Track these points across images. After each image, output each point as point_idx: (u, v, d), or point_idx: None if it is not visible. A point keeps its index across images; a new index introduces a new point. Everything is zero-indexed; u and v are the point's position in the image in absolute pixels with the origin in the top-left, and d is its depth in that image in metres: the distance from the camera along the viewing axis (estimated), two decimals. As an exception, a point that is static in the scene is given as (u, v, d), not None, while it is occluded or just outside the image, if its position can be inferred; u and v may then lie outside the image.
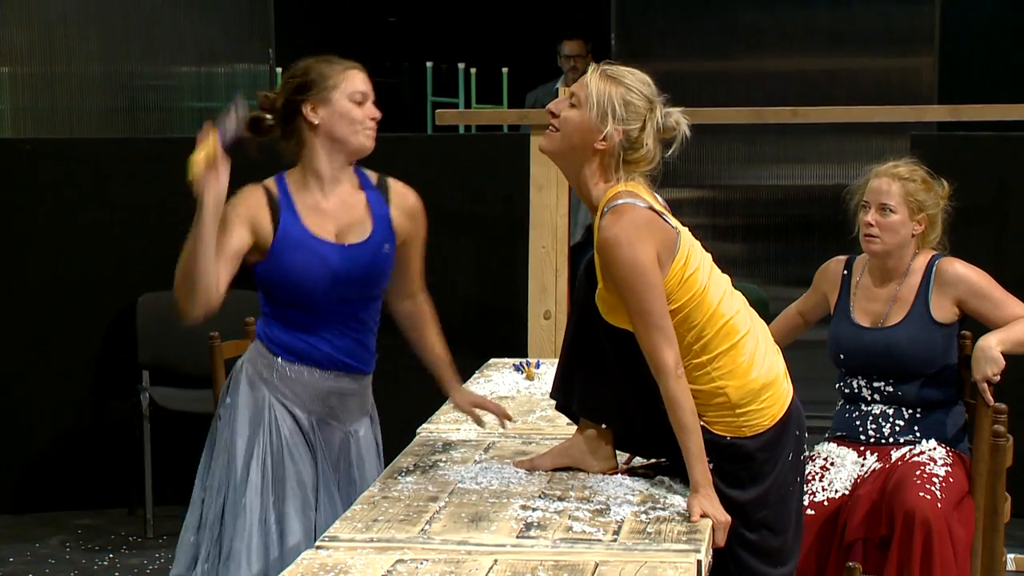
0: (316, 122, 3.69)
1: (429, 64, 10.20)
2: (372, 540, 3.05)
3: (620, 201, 3.32)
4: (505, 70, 9.65)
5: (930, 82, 6.86)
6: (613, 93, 3.36)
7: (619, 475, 3.53)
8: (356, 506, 3.30)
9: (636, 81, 3.39)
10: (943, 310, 4.24)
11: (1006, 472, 3.75)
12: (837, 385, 4.40)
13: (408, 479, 3.52)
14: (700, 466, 3.30)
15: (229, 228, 3.68)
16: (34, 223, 6.37)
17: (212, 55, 8.06)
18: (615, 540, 3.04)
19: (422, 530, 3.11)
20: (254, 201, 3.72)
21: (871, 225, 4.24)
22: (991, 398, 4.09)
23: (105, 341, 6.41)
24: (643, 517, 3.20)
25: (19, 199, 6.38)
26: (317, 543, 3.05)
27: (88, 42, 7.56)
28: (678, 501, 3.31)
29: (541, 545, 3.02)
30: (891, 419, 4.24)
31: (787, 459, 3.47)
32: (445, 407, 4.19)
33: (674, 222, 3.39)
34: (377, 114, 3.73)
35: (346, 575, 2.84)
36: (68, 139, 7.10)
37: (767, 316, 6.17)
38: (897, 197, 4.23)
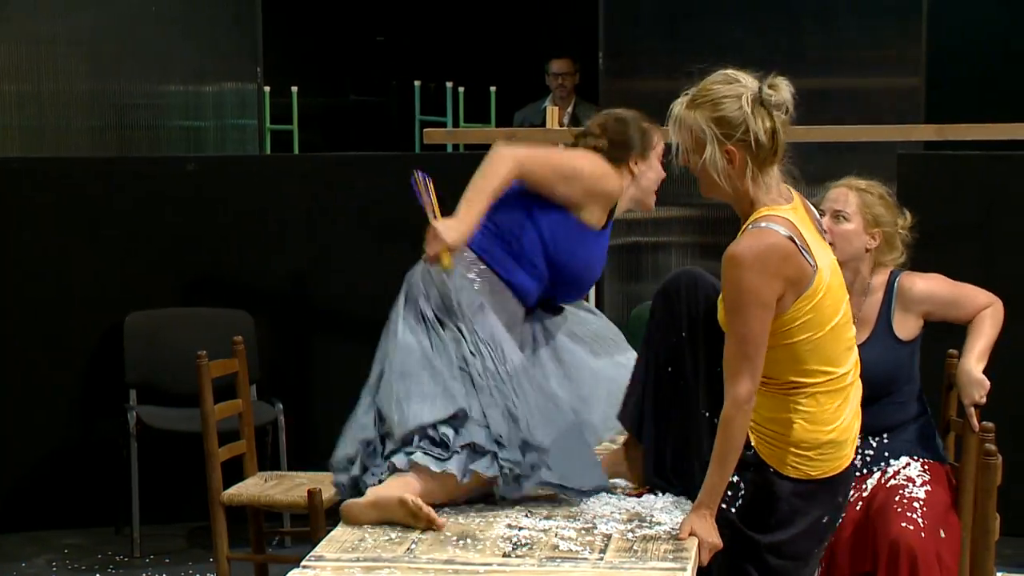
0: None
1: (417, 83, 10.21)
2: (358, 560, 3.05)
3: (763, 225, 3.25)
4: (493, 89, 9.66)
5: (917, 102, 6.88)
6: (699, 119, 3.29)
7: (605, 494, 3.53)
8: (340, 527, 3.30)
9: (722, 89, 3.31)
10: (906, 328, 4.21)
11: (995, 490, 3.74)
12: None
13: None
14: (713, 494, 3.26)
15: None
16: (21, 242, 6.36)
17: (200, 74, 8.06)
18: (601, 558, 3.04)
19: (408, 549, 3.11)
20: None
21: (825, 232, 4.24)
22: (976, 423, 4.08)
23: (92, 360, 6.40)
24: (629, 535, 3.20)
25: (6, 217, 6.38)
26: (303, 562, 3.04)
27: (76, 61, 7.56)
28: (665, 519, 3.31)
29: (527, 564, 3.02)
30: (859, 450, 4.21)
31: (819, 520, 3.42)
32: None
33: (816, 257, 3.28)
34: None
35: (332, 594, 2.85)
36: (56, 158, 7.10)
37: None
38: (852, 206, 4.20)
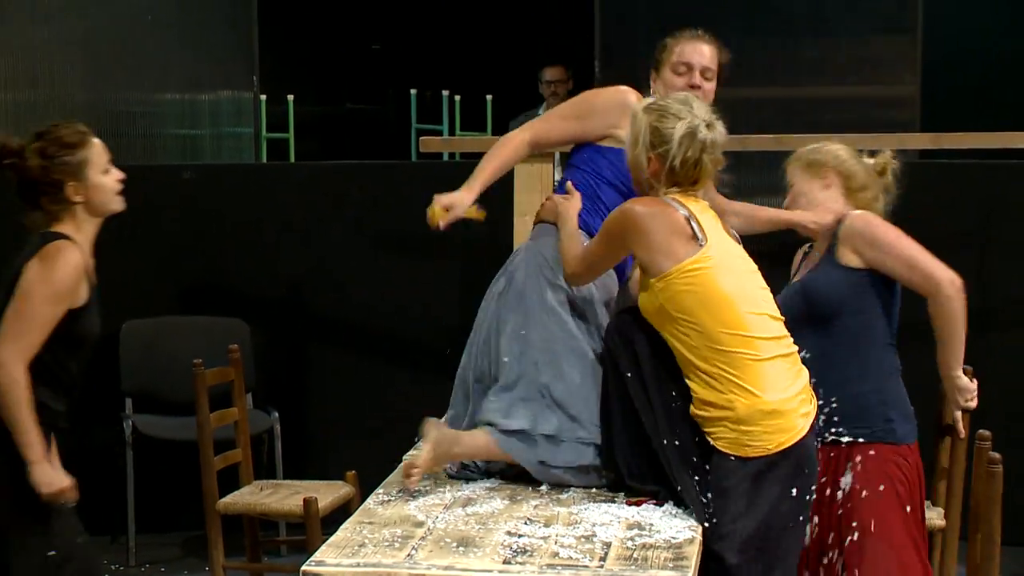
0: None
1: (413, 91, 10.23)
2: (358, 565, 3.05)
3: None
4: (489, 97, 9.68)
5: (912, 111, 6.90)
6: (643, 121, 3.67)
7: (605, 503, 3.53)
8: (341, 532, 3.30)
9: (673, 107, 3.68)
10: (847, 257, 4.21)
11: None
12: None
13: (393, 505, 3.52)
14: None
15: None
16: (18, 250, 6.35)
17: (196, 82, 8.06)
18: (601, 566, 3.05)
19: (408, 555, 3.11)
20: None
21: (787, 206, 4.36)
22: (963, 429, 4.12)
23: (88, 368, 6.39)
24: (629, 544, 3.20)
25: (3, 226, 6.37)
26: (304, 567, 3.04)
27: (72, 69, 7.55)
28: (664, 527, 3.32)
29: (527, 571, 3.02)
30: (822, 409, 4.20)
31: (788, 493, 3.52)
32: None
33: (708, 233, 3.61)
34: None
35: (331, 601, 2.85)
36: (51, 166, 7.09)
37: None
38: (790, 173, 4.33)
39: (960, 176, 6.40)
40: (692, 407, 3.57)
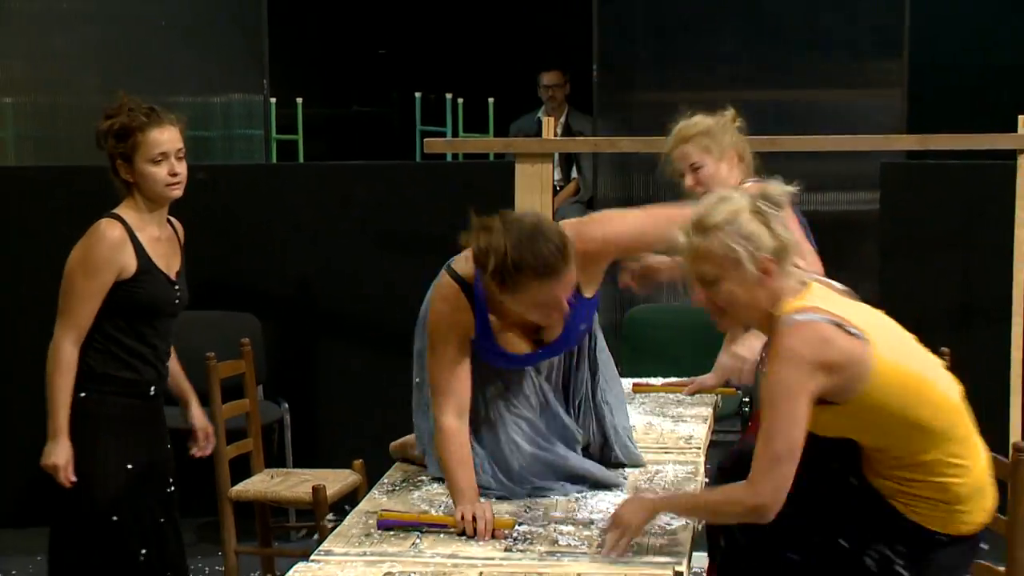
0: None
1: (418, 94, 10.20)
2: (365, 554, 3.05)
3: (798, 317, 2.96)
4: (491, 100, 9.66)
5: (899, 113, 6.89)
6: (725, 240, 2.96)
7: (602, 491, 3.52)
8: (347, 522, 3.30)
9: (726, 213, 2.98)
10: None
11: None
12: None
13: (397, 496, 3.52)
14: (671, 503, 3.16)
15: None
16: (39, 247, 6.35)
17: (209, 86, 8.05)
18: (599, 552, 3.04)
19: (413, 544, 3.11)
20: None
21: (695, 186, 4.24)
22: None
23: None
24: (626, 531, 3.20)
25: (22, 224, 6.38)
26: (312, 556, 3.04)
27: (88, 74, 7.56)
28: (659, 517, 3.31)
29: (528, 558, 3.02)
30: None
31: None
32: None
33: (849, 320, 2.97)
34: None
35: (337, 587, 2.84)
36: (69, 167, 7.08)
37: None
38: (698, 154, 4.25)
39: (945, 176, 6.40)
40: (888, 496, 3.07)
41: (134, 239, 3.88)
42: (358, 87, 12.14)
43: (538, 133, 6.81)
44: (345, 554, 3.05)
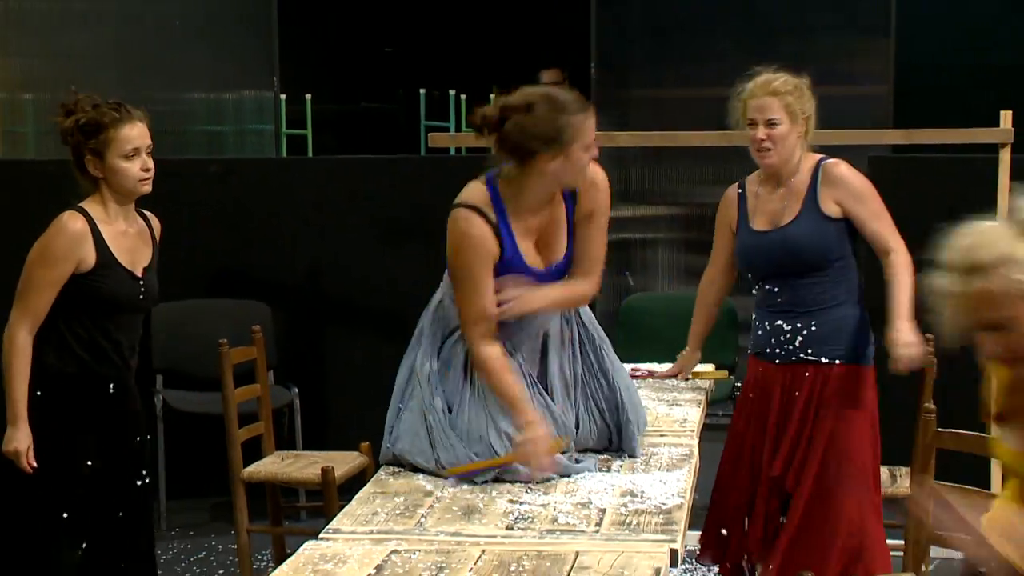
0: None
1: (422, 91, 10.20)
2: (372, 532, 3.03)
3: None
4: (492, 97, 9.63)
5: (886, 109, 6.87)
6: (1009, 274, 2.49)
7: (599, 471, 3.50)
8: (355, 501, 3.28)
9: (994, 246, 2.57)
10: (830, 207, 4.18)
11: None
12: (754, 291, 4.34)
13: (403, 476, 3.50)
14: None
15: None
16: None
17: (221, 83, 8.05)
18: (597, 531, 3.02)
19: (418, 522, 3.09)
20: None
21: (763, 140, 4.18)
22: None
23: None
24: (623, 510, 3.18)
25: (43, 217, 6.33)
26: (321, 535, 3.02)
27: (107, 71, 7.54)
28: (655, 494, 3.29)
29: (529, 536, 3.00)
30: (799, 332, 4.17)
31: None
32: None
33: None
34: None
35: (344, 564, 2.81)
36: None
37: (737, 324, 6.19)
38: (779, 110, 4.17)
39: (930, 169, 6.38)
40: None
41: (96, 233, 3.79)
42: (365, 84, 12.12)
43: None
44: (352, 532, 3.03)
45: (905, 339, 3.95)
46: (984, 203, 5.80)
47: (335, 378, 6.56)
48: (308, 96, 9.57)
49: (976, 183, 6.04)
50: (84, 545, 3.83)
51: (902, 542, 4.17)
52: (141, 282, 3.90)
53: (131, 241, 3.90)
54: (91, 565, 3.86)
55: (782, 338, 4.21)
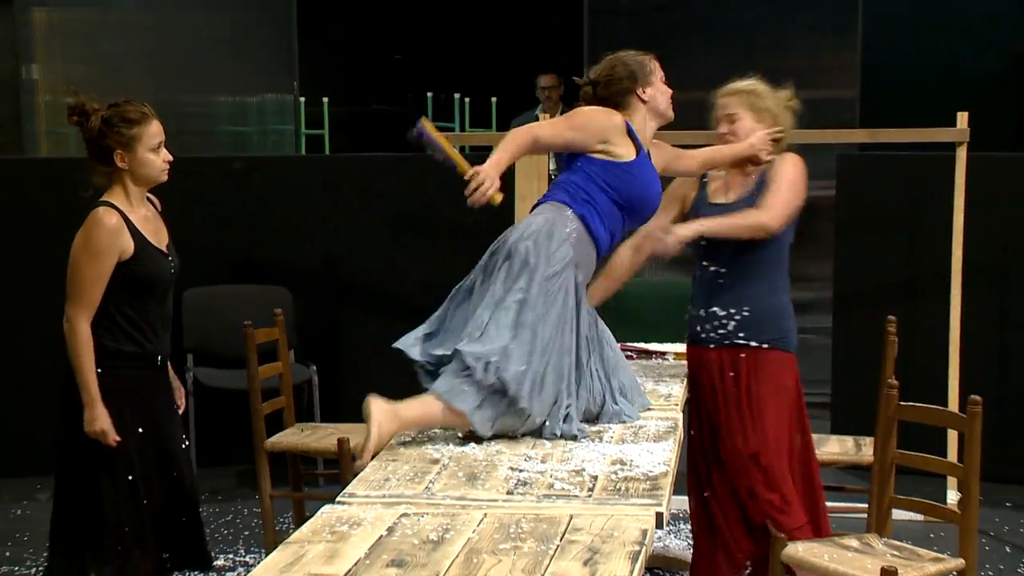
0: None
1: (430, 94, 10.20)
2: (384, 496, 3.05)
3: None
4: (494, 99, 9.65)
5: (853, 110, 6.87)
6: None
7: (590, 441, 3.52)
8: (369, 468, 3.30)
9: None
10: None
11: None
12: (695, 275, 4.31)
13: (413, 444, 3.52)
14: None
15: None
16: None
17: (245, 87, 8.05)
18: (590, 495, 3.04)
19: (426, 488, 3.11)
20: None
21: (725, 134, 4.21)
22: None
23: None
24: (613, 476, 3.19)
25: (81, 213, 6.35)
26: (338, 498, 3.04)
27: (142, 77, 7.55)
28: (643, 462, 3.31)
29: (528, 500, 3.01)
30: (731, 318, 4.17)
31: None
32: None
33: None
34: None
35: (358, 526, 2.83)
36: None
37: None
38: (739, 107, 4.20)
39: (894, 166, 6.39)
40: None
41: (128, 223, 3.83)
42: (377, 88, 12.12)
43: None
44: (367, 496, 3.05)
45: (681, 232, 4.00)
46: (942, 197, 5.83)
47: (349, 357, 6.58)
48: (325, 99, 9.57)
49: (935, 179, 6.07)
50: (145, 503, 3.87)
51: (866, 505, 4.20)
52: (170, 257, 3.96)
53: (152, 223, 3.95)
54: (156, 522, 3.90)
55: (716, 323, 4.23)
